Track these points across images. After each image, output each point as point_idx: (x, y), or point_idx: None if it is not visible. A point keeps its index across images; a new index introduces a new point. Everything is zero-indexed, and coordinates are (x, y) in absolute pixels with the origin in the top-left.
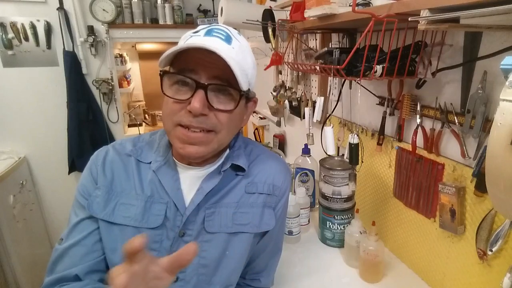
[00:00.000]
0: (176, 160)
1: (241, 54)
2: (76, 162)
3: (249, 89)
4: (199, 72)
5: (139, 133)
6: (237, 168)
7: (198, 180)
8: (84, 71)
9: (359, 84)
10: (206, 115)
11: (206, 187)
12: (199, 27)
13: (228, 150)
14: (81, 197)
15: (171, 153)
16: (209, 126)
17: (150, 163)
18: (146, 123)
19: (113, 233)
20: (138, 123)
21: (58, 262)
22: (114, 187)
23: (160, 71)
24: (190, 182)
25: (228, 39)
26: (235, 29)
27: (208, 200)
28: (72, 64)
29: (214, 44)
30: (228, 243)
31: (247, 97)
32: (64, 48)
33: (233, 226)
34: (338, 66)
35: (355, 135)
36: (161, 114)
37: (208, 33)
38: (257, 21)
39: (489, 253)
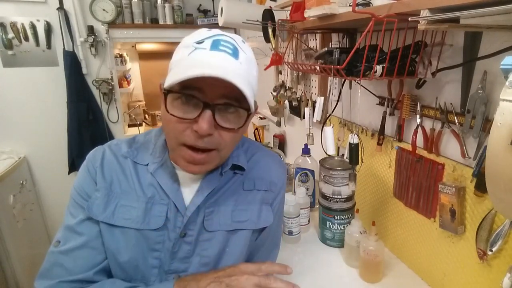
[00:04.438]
0: (173, 162)
1: (248, 68)
2: (76, 162)
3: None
4: (206, 90)
5: (139, 133)
6: (236, 167)
7: (197, 180)
8: (84, 71)
9: (359, 84)
10: (211, 134)
11: (207, 188)
12: (202, 35)
13: None
14: (79, 198)
15: (167, 154)
16: (212, 146)
17: (147, 165)
18: (146, 123)
19: (114, 235)
20: (138, 123)
21: (56, 266)
22: (114, 189)
23: (164, 89)
24: (189, 182)
25: (235, 53)
26: (235, 31)
27: (207, 200)
28: (72, 64)
29: (223, 62)
30: (227, 240)
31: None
32: (64, 48)
33: (232, 223)
34: (338, 66)
35: (355, 135)
36: (161, 115)
37: (215, 46)
38: (257, 21)
39: (489, 253)
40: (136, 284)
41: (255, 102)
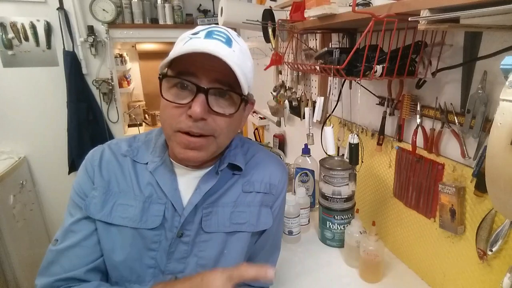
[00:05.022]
0: (172, 161)
1: (241, 57)
2: (76, 162)
3: (248, 92)
4: (200, 75)
5: (139, 133)
6: (234, 168)
7: (195, 180)
8: (84, 71)
9: (359, 84)
10: (205, 119)
11: (204, 187)
12: (197, 28)
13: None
14: (77, 197)
15: (167, 154)
16: (208, 132)
17: (146, 163)
18: (146, 123)
19: (111, 234)
20: (138, 123)
21: (53, 264)
22: (111, 188)
23: (160, 74)
24: (187, 182)
25: (228, 42)
26: (234, 30)
27: (205, 200)
28: (72, 64)
29: (216, 48)
30: (226, 242)
31: (246, 100)
32: (64, 48)
33: (231, 225)
34: (338, 66)
35: (355, 135)
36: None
37: (208, 35)
38: (257, 21)
39: (489, 253)
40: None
41: (251, 95)
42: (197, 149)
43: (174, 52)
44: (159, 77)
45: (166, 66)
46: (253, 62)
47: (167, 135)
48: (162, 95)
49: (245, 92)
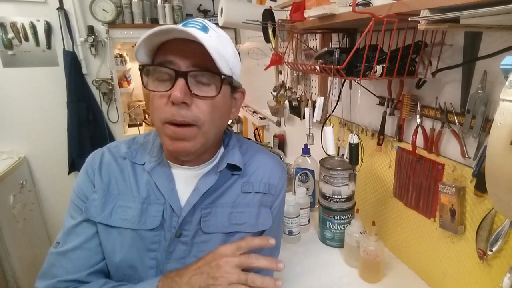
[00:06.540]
0: (169, 161)
1: (219, 42)
2: (76, 162)
3: (232, 77)
4: (178, 62)
5: (139, 133)
6: (233, 168)
7: (193, 179)
8: (84, 71)
9: (359, 84)
10: (188, 105)
11: (202, 188)
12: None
13: (222, 149)
14: (78, 200)
15: (164, 154)
16: (191, 119)
17: (144, 164)
18: (146, 123)
19: (111, 236)
20: (138, 123)
21: (55, 266)
22: (111, 190)
23: (140, 65)
24: (185, 182)
25: (204, 29)
26: (234, 30)
27: (204, 200)
28: (72, 64)
29: (191, 31)
30: (225, 243)
31: (232, 85)
32: (64, 48)
33: (230, 226)
34: (338, 66)
35: (355, 135)
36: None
37: (184, 25)
38: (257, 21)
39: (489, 253)
40: (123, 283)
41: (239, 83)
42: (184, 140)
43: (145, 34)
44: (139, 69)
45: (145, 60)
46: (236, 51)
47: (157, 128)
48: (145, 86)
49: (224, 71)
